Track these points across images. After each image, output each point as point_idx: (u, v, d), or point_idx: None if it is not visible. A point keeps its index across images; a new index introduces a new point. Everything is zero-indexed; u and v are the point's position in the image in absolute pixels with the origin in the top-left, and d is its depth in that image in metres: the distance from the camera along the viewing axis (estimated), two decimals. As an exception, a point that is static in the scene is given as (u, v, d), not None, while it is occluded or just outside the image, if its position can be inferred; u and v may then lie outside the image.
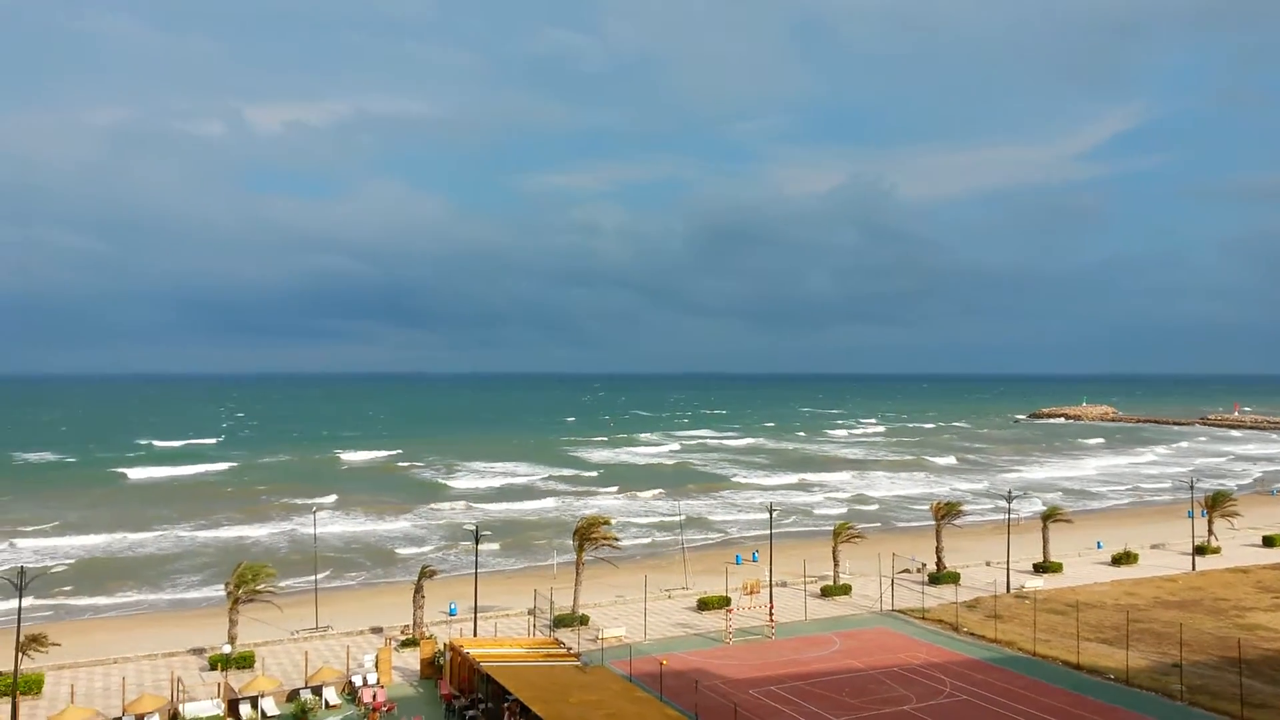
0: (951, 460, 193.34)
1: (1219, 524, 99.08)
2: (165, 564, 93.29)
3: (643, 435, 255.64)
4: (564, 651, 53.43)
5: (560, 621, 65.80)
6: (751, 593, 72.60)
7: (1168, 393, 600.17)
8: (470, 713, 48.79)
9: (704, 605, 71.51)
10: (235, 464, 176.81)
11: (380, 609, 72.01)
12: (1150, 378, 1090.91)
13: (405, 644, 61.76)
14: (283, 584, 66.42)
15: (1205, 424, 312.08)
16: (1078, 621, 64.95)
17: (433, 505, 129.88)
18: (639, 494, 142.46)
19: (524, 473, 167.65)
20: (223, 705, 49.60)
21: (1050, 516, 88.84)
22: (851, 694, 51.79)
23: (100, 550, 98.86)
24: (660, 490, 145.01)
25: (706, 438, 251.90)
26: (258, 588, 60.92)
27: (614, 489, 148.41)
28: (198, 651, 60.94)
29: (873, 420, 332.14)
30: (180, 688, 51.80)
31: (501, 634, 62.19)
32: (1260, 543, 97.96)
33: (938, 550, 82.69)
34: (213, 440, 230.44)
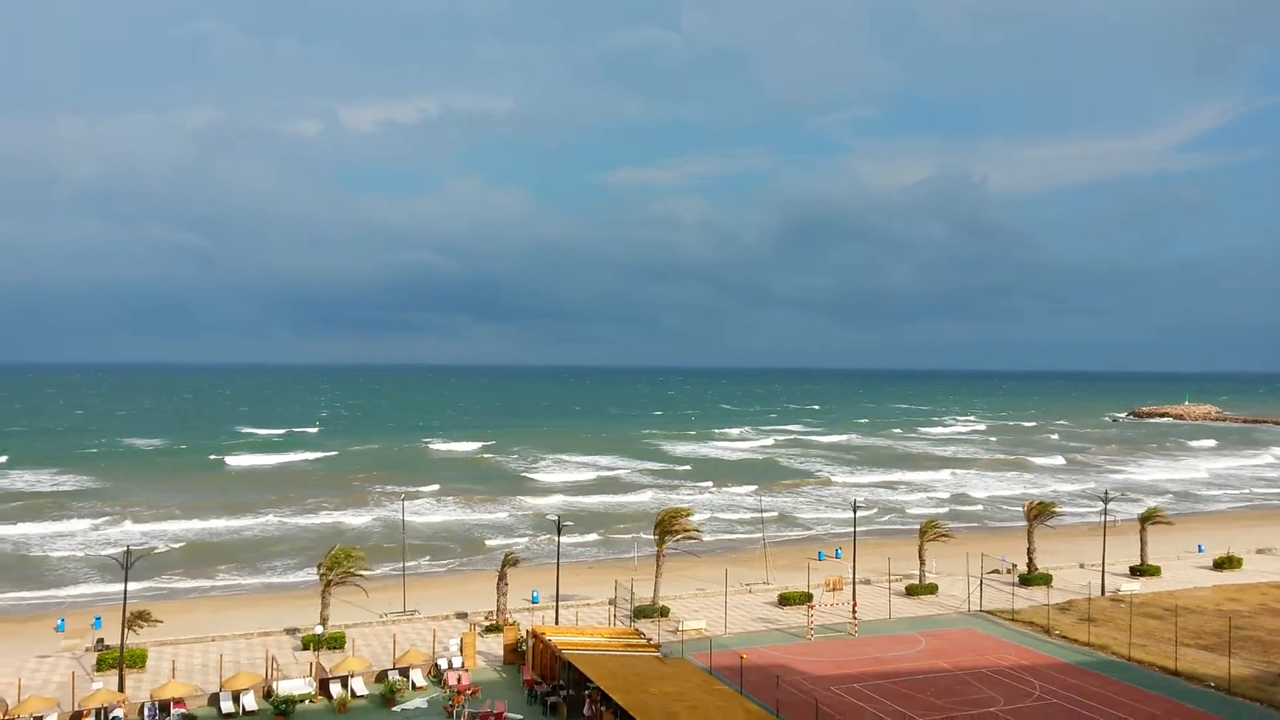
0: (1053, 460, 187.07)
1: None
2: (262, 547, 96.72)
3: (727, 430, 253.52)
4: (644, 642, 53.65)
5: (640, 612, 66.06)
6: (834, 589, 71.74)
7: (1276, 392, 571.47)
8: (552, 699, 49.38)
9: (785, 601, 70.95)
10: (329, 453, 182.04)
11: (465, 595, 73.38)
12: (1250, 376, 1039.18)
13: (489, 629, 62.82)
14: (372, 569, 68.08)
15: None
16: (1176, 626, 62.48)
17: (517, 495, 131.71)
18: (721, 488, 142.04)
19: (607, 465, 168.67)
20: (315, 684, 51.22)
21: (1148, 518, 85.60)
22: (937, 694, 50.79)
23: (202, 534, 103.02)
24: (743, 484, 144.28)
25: (794, 432, 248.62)
26: (349, 571, 62.75)
27: (696, 482, 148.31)
28: (291, 631, 63.02)
29: (971, 417, 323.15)
30: (275, 666, 53.68)
31: (582, 623, 62.74)
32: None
33: (1029, 551, 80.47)
34: (308, 430, 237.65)
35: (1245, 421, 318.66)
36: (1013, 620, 66.60)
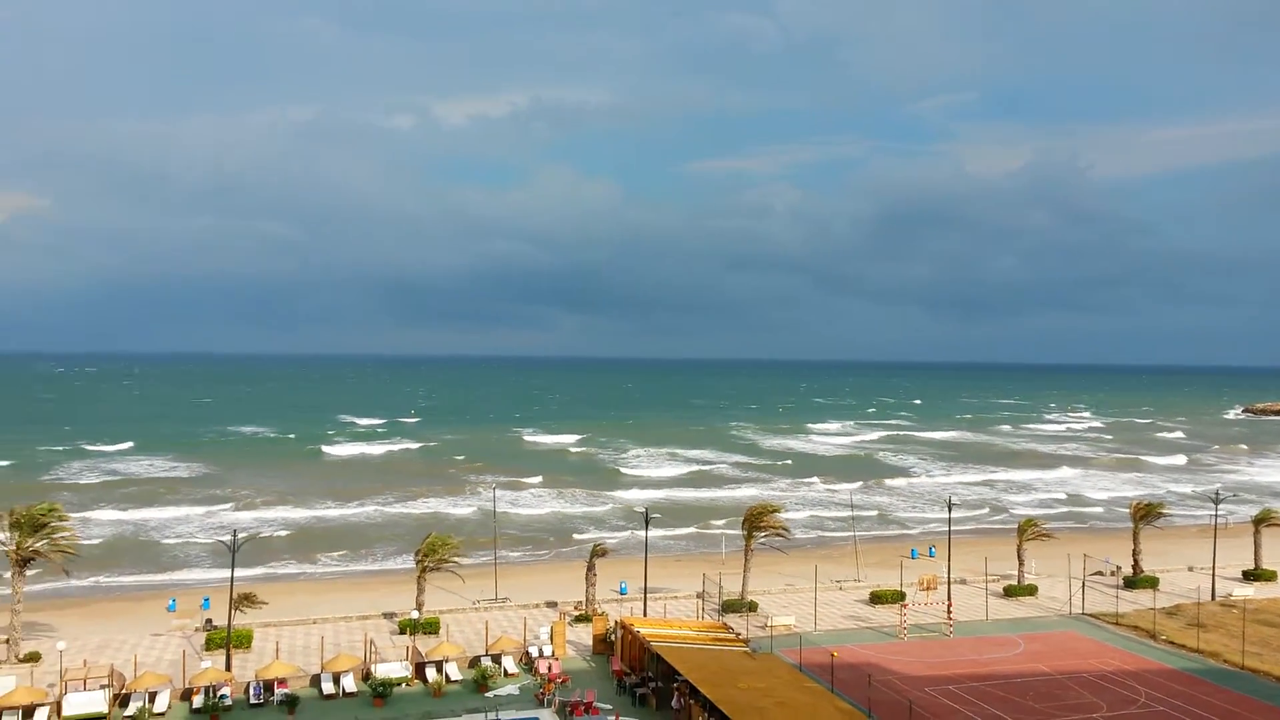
0: (1166, 459, 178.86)
1: None
2: (361, 533, 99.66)
3: (821, 423, 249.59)
4: (732, 636, 53.47)
5: (728, 606, 65.87)
6: (928, 588, 70.32)
7: None
8: (640, 690, 49.61)
9: (877, 599, 69.82)
10: (426, 442, 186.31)
11: (555, 584, 74.28)
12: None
13: (578, 619, 63.47)
14: (465, 557, 69.46)
15: None
16: (1296, 637, 59.37)
17: (606, 487, 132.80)
18: (812, 482, 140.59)
19: (696, 458, 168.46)
20: (410, 667, 52.53)
21: (1263, 520, 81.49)
22: (1036, 698, 49.33)
23: (305, 519, 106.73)
24: (835, 479, 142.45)
25: (892, 427, 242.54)
26: (443, 559, 64.19)
27: (786, 477, 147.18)
28: (389, 616, 64.78)
29: (1084, 413, 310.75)
30: (373, 649, 55.25)
31: (670, 615, 62.86)
32: None
33: (1134, 552, 77.51)
34: (405, 419, 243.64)
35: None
36: (1116, 624, 64.23)
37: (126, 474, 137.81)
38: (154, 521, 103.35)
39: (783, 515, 73.31)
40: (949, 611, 62.92)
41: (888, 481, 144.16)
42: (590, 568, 65.55)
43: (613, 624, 57.91)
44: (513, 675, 53.17)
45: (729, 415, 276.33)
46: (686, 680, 45.43)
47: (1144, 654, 57.66)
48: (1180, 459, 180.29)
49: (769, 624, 61.77)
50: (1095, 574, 77.30)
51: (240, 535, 60.15)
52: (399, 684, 50.64)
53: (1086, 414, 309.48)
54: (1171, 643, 59.82)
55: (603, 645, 57.64)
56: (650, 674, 50.76)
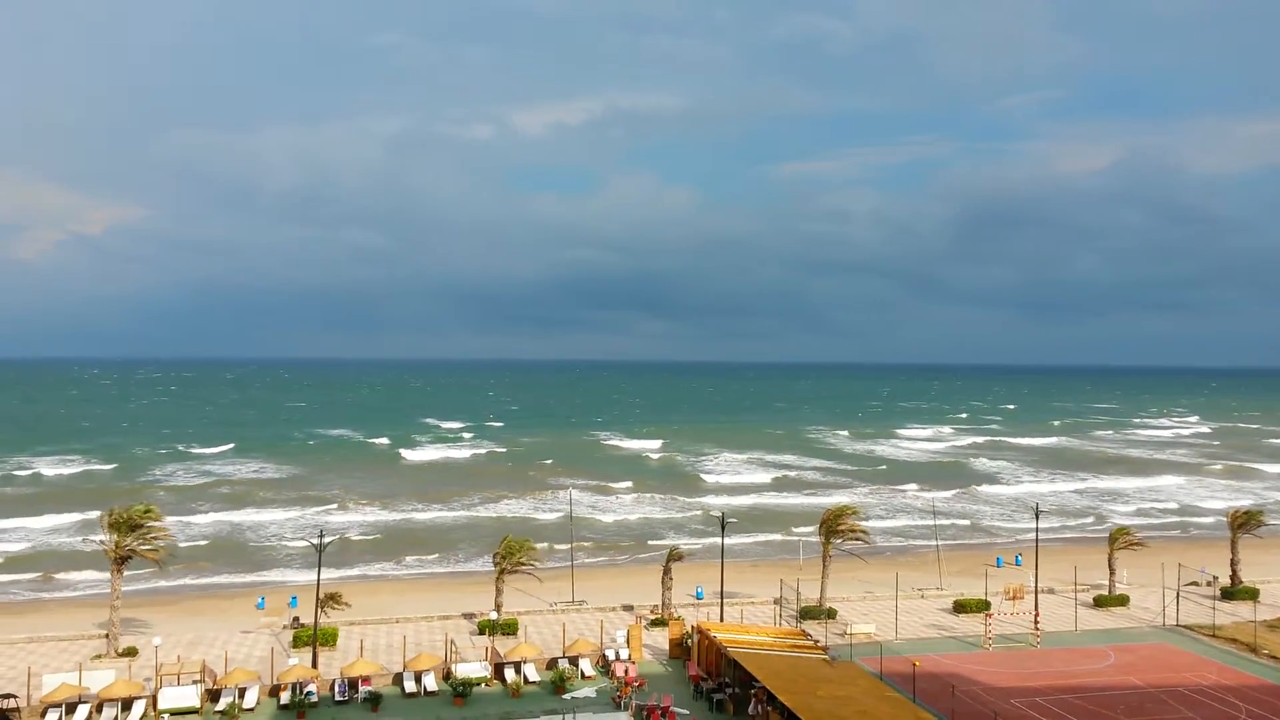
0: (1273, 466, 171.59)
1: None
2: (442, 535, 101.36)
3: (905, 428, 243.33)
4: (811, 644, 52.84)
5: (806, 613, 65.10)
6: (1014, 598, 68.49)
7: None
8: (718, 696, 49.34)
9: (960, 607, 68.23)
10: (507, 446, 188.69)
11: (631, 588, 74.41)
12: None
13: (654, 623, 63.46)
14: (543, 559, 70.06)
15: None
16: None
17: (683, 491, 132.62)
18: (894, 487, 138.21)
19: (775, 463, 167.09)
20: (490, 668, 53.15)
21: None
22: (1128, 712, 47.60)
23: (388, 521, 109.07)
24: (918, 484, 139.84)
25: (982, 432, 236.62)
26: (521, 561, 64.83)
27: (867, 482, 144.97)
28: (468, 616, 65.68)
29: (1190, 418, 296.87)
30: (453, 649, 56.04)
31: (747, 621, 62.38)
32: None
33: (1233, 563, 74.27)
34: (485, 424, 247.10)
35: None
36: (1213, 636, 61.61)
37: (221, 476, 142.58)
38: (245, 522, 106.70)
39: (863, 521, 72.07)
40: (1036, 621, 61.15)
41: (975, 488, 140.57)
42: (666, 572, 65.47)
43: (689, 629, 57.74)
44: (590, 678, 53.38)
45: (810, 419, 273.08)
46: (764, 687, 45.03)
47: (1244, 668, 55.18)
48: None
49: (848, 631, 60.84)
50: (1190, 584, 74.34)
51: (326, 536, 61.73)
52: (478, 684, 51.29)
53: (1193, 419, 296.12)
54: (1273, 656, 57.13)
55: (679, 650, 57.50)
56: (727, 679, 50.45)
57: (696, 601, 70.19)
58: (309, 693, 48.79)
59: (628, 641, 57.07)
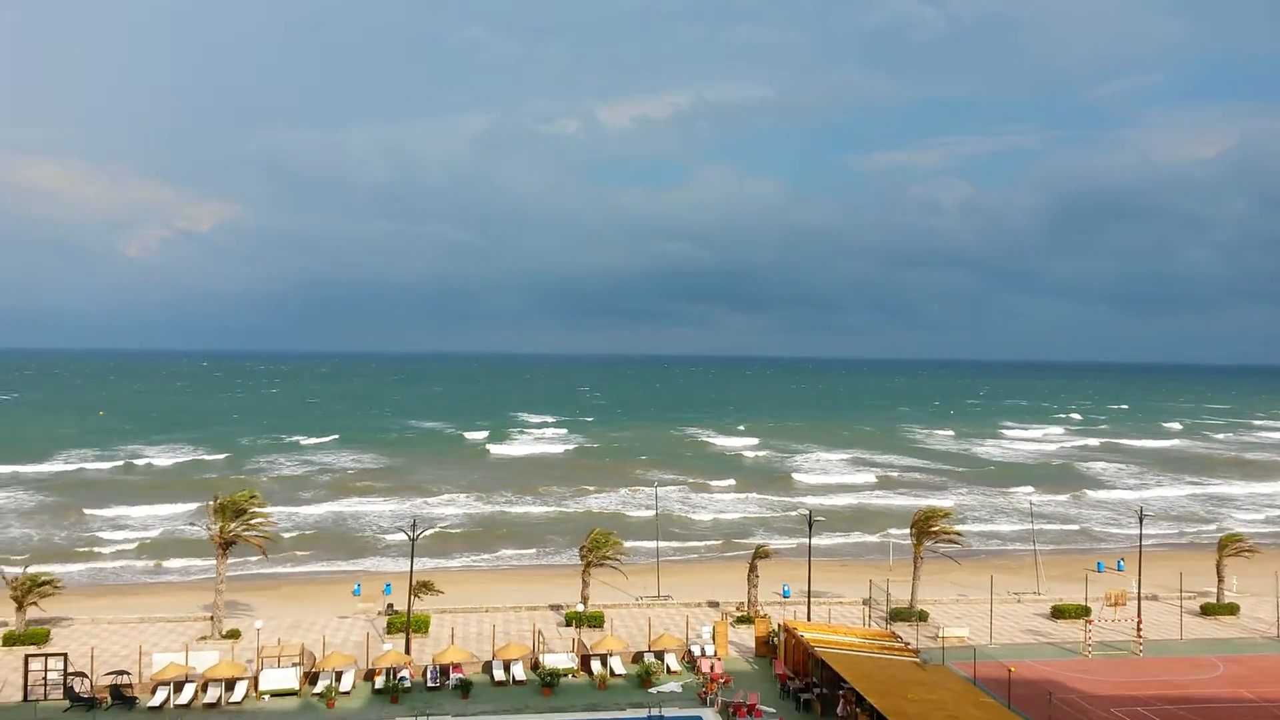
0: None
1: None
2: (531, 527, 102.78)
3: (1004, 427, 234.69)
4: (901, 646, 51.90)
5: (896, 615, 63.96)
6: (1115, 604, 66.04)
7: None
8: (805, 695, 48.85)
9: (1058, 613, 66.13)
10: (595, 440, 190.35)
11: (716, 584, 74.17)
12: None
13: (740, 620, 63.16)
14: (629, 553, 70.32)
15: None
16: None
17: (771, 487, 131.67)
18: (990, 488, 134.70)
19: (869, 461, 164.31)
20: (576, 659, 53.67)
21: None
22: (1237, 728, 45.49)
23: (479, 511, 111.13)
24: (1015, 485, 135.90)
25: (1087, 432, 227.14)
26: (607, 555, 65.26)
27: (962, 481, 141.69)
28: (555, 608, 66.43)
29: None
30: (540, 639, 56.75)
31: (835, 621, 61.60)
32: None
33: (1357, 574, 70.15)
34: (574, 417, 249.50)
35: None
36: (1335, 652, 58.41)
37: (322, 465, 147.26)
38: (343, 511, 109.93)
39: (959, 523, 70.46)
40: (1138, 628, 58.90)
41: (1078, 490, 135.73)
42: (752, 569, 65.10)
43: (776, 627, 57.32)
44: (675, 673, 53.43)
45: (904, 417, 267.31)
46: (853, 688, 44.40)
47: (1368, 686, 52.13)
48: None
49: (940, 634, 59.55)
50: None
51: (419, 527, 63.15)
52: (565, 675, 51.83)
53: None
54: (1402, 676, 53.86)
55: (765, 648, 57.13)
56: (815, 679, 49.91)
57: (783, 600, 69.62)
58: (402, 678, 49.99)
59: (713, 638, 56.94)
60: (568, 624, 62.30)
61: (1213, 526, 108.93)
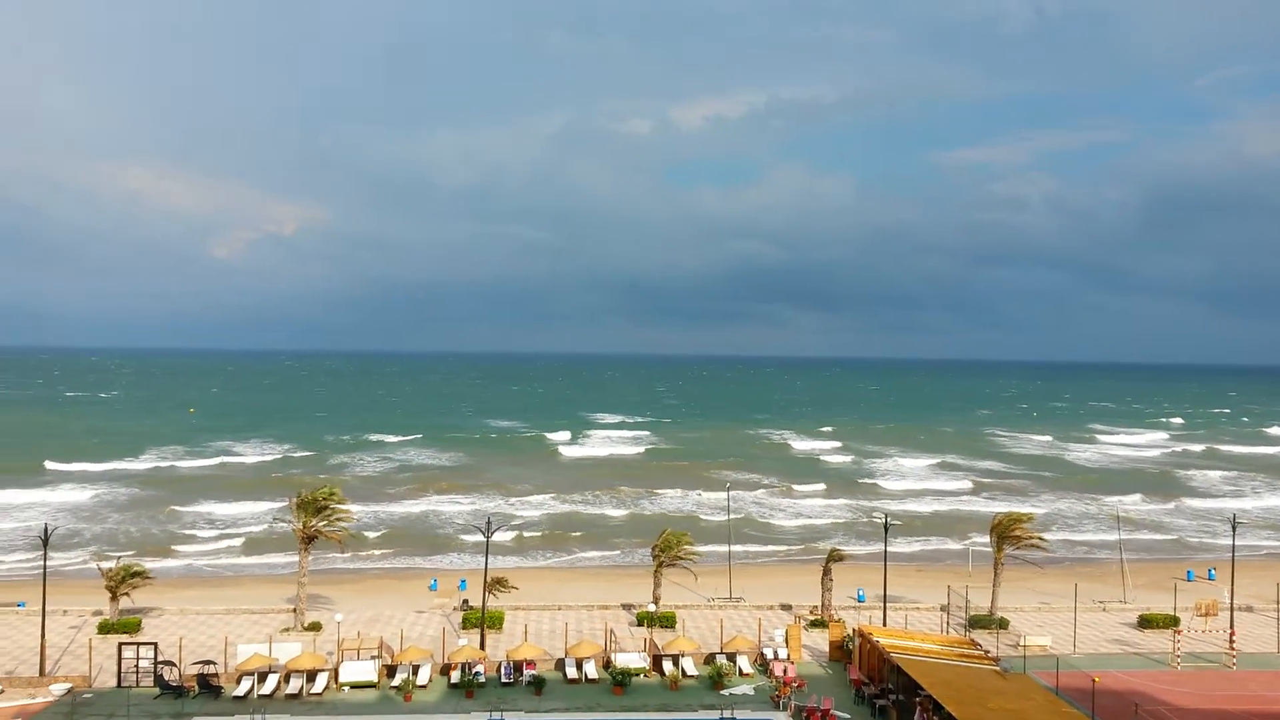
0: None
1: None
2: (603, 526, 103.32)
3: (1093, 431, 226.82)
4: (981, 654, 50.71)
5: (976, 622, 62.53)
6: (1206, 614, 63.48)
7: None
8: (880, 702, 48.06)
9: (1146, 623, 63.92)
10: (668, 439, 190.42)
11: (789, 587, 73.50)
12: None
13: (813, 624, 62.44)
14: (700, 554, 70.09)
15: None
16: None
17: (848, 490, 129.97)
18: (1073, 493, 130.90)
19: (945, 464, 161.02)
20: (648, 659, 53.68)
21: None
22: (1340, 748, 43.35)
23: (552, 510, 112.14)
24: (1103, 491, 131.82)
25: (1182, 436, 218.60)
26: (679, 555, 65.18)
27: (1046, 485, 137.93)
28: (627, 607, 66.56)
29: None
30: (612, 638, 56.93)
31: (911, 627, 60.53)
32: None
33: None
34: (647, 417, 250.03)
35: None
36: None
37: (401, 463, 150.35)
38: (420, 508, 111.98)
39: (1041, 529, 68.56)
40: (1231, 640, 56.56)
41: (1170, 496, 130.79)
42: (826, 572, 64.31)
43: (850, 631, 56.54)
44: (747, 675, 53.06)
45: (986, 420, 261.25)
46: (930, 695, 43.54)
47: None
48: None
49: (1022, 643, 58.03)
50: None
51: (494, 524, 63.92)
52: (637, 674, 51.85)
53: None
54: None
55: (839, 652, 56.39)
56: (890, 686, 49.08)
57: (857, 604, 68.62)
58: (477, 673, 50.63)
59: (786, 641, 56.40)
60: (639, 624, 62.38)
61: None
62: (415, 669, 51.01)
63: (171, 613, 64.15)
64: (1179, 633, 58.08)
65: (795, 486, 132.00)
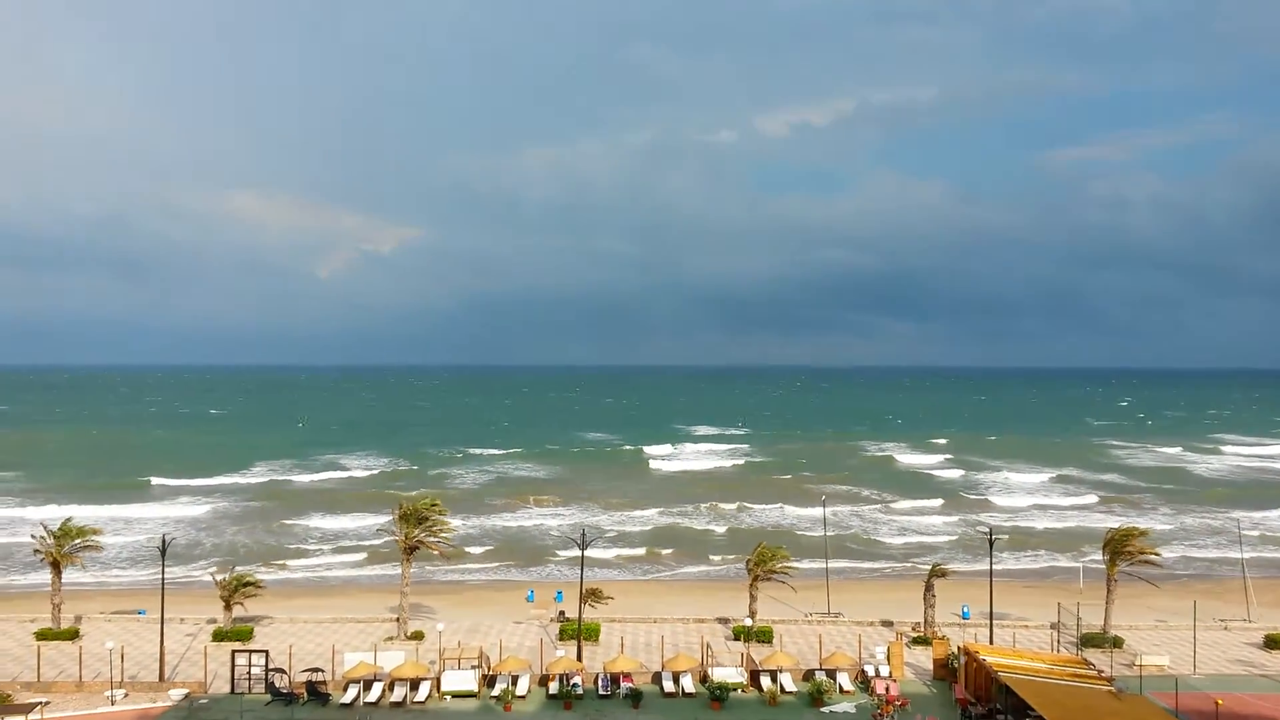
0: None
1: None
2: (697, 539, 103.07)
3: (1215, 442, 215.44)
4: (1094, 673, 48.68)
5: (1088, 640, 60.13)
6: (1341, 636, 59.80)
7: None
8: (986, 722, 46.60)
9: (1273, 643, 60.51)
10: (762, 451, 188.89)
11: (890, 603, 71.92)
12: None
13: (916, 641, 60.96)
14: (797, 567, 69.18)
15: None
16: None
17: (951, 503, 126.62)
18: (1197, 506, 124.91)
19: (1055, 476, 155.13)
20: (745, 674, 53.14)
21: None
22: None
23: (645, 522, 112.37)
24: (1226, 504, 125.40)
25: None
26: (774, 568, 64.44)
27: (1164, 499, 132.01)
28: (723, 621, 66.09)
29: None
30: (709, 652, 56.57)
31: (1019, 645, 58.54)
32: None
33: None
34: (739, 429, 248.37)
35: None
36: None
37: (500, 475, 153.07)
38: (517, 520, 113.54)
39: (1158, 544, 65.59)
40: (1372, 666, 53.08)
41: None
42: (928, 589, 62.70)
43: (955, 649, 54.99)
44: (848, 693, 52.04)
45: (1098, 430, 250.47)
46: (1041, 716, 41.97)
47: None
48: None
49: (1137, 662, 55.57)
50: None
51: (589, 537, 64.30)
52: (734, 689, 51.35)
53: None
54: None
55: (944, 671, 54.87)
56: (998, 706, 47.50)
57: (962, 621, 66.68)
58: (575, 684, 50.89)
59: (888, 658, 55.16)
60: (736, 638, 61.84)
61: None
62: (514, 679, 51.57)
63: (281, 621, 66.32)
64: (1311, 655, 54.78)
65: (899, 500, 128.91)
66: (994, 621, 60.48)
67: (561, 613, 66.77)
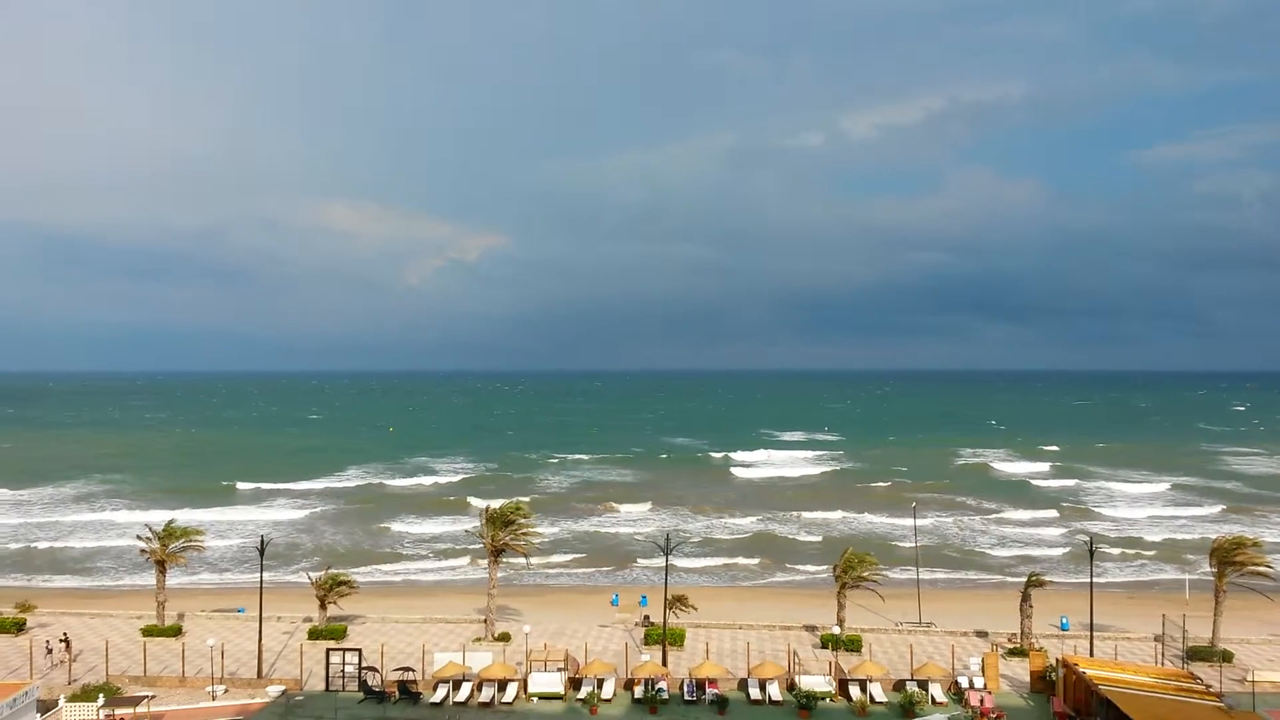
0: None
1: None
2: (783, 545, 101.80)
3: None
4: (1201, 688, 46.42)
5: (1195, 654, 57.43)
6: None
7: None
8: (1085, 737, 44.81)
9: (1403, 662, 56.83)
10: (851, 457, 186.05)
11: (983, 613, 69.83)
12: None
13: (1012, 652, 59.10)
14: (886, 575, 67.77)
15: None
16: None
17: (1054, 512, 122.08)
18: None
19: (1167, 485, 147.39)
20: (834, 683, 52.20)
21: None
22: None
23: (730, 527, 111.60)
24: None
25: None
26: (862, 575, 63.24)
27: (1274, 507, 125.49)
28: (810, 628, 65.12)
29: None
30: (796, 660, 55.78)
31: (1121, 658, 56.21)
32: None
33: None
34: (826, 434, 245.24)
35: None
36: None
37: (586, 479, 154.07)
38: (603, 524, 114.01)
39: (1256, 549, 62.19)
40: None
41: None
42: (1025, 599, 60.72)
43: (1053, 661, 53.10)
44: (941, 704, 50.64)
45: (1213, 436, 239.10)
46: (1143, 733, 40.17)
47: None
48: None
49: (1250, 677, 52.82)
50: None
51: (673, 541, 64.12)
52: (823, 698, 50.49)
53: None
54: None
55: (1041, 683, 53.01)
56: (1098, 720, 45.67)
57: (1060, 633, 64.40)
58: (660, 689, 50.68)
59: (982, 670, 53.53)
60: (823, 646, 60.84)
61: None
62: (600, 682, 51.65)
63: (373, 620, 67.81)
64: None
65: (1001, 509, 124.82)
66: (1094, 633, 58.24)
67: (646, 617, 66.70)
